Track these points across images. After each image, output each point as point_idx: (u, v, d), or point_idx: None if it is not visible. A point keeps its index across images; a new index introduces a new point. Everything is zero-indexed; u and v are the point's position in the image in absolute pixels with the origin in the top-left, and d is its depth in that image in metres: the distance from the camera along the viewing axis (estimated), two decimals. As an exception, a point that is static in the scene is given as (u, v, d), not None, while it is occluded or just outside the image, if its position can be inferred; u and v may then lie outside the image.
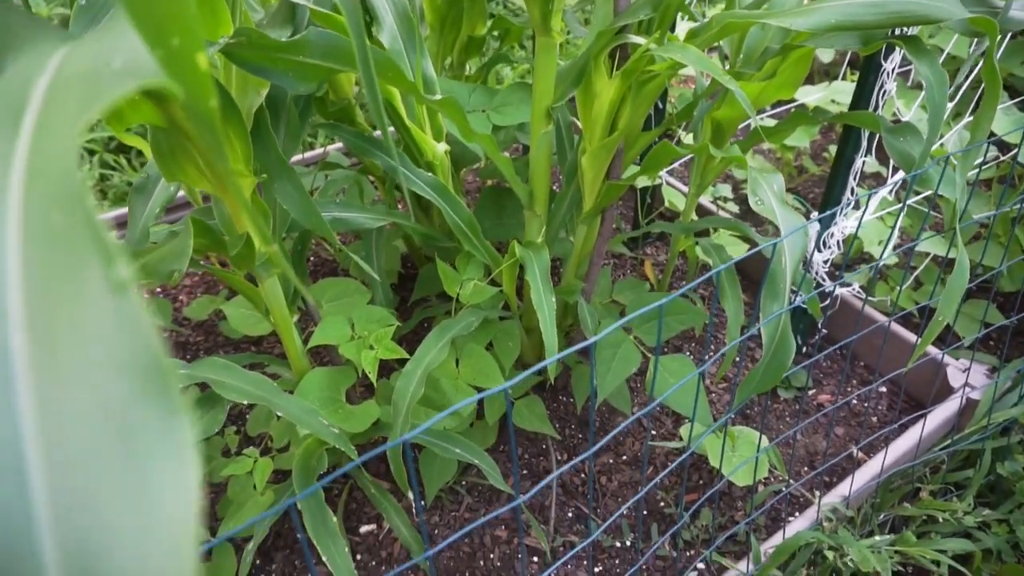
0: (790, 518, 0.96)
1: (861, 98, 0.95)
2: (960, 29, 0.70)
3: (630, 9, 0.79)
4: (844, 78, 1.66)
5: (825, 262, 1.12)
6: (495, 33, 1.26)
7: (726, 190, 1.46)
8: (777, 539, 0.90)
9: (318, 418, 0.72)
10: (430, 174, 0.90)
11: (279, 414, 0.69)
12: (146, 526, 0.14)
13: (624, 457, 1.11)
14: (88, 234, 0.16)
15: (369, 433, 0.93)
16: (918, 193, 1.27)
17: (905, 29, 0.81)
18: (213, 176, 0.64)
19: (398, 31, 0.90)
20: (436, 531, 1.01)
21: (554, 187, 1.11)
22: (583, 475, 1.08)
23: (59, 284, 0.15)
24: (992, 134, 0.99)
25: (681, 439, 1.10)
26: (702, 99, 1.01)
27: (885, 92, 0.95)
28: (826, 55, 1.81)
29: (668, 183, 1.43)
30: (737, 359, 1.15)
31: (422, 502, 1.03)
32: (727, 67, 1.06)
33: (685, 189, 1.42)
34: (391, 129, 1.60)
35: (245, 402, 0.68)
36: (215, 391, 0.66)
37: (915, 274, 1.24)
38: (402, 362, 1.07)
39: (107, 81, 0.22)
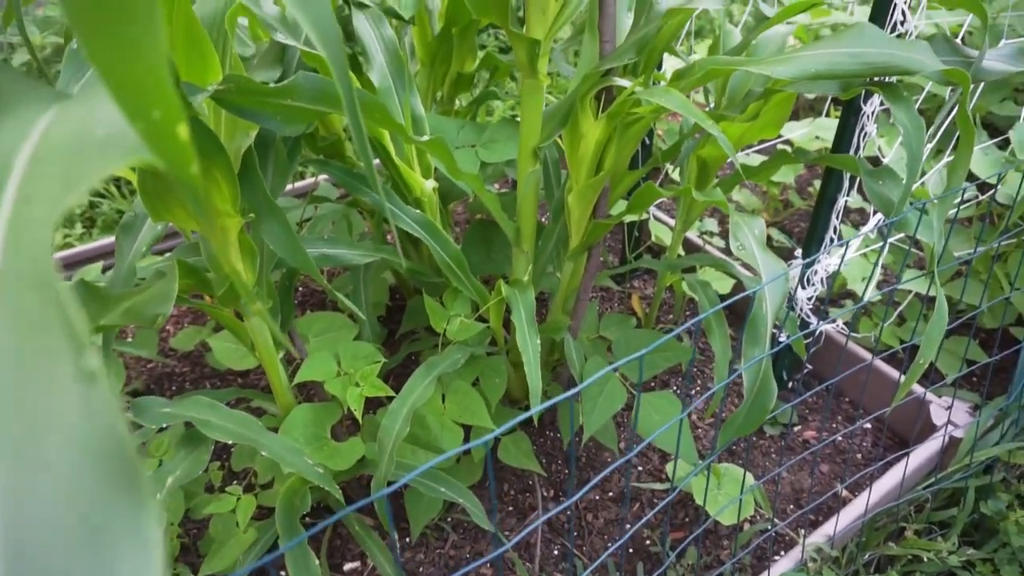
0: (775, 557, 0.96)
1: (842, 139, 0.97)
2: (935, 79, 0.72)
3: (615, 53, 0.80)
4: (828, 114, 1.69)
5: (809, 299, 1.13)
6: (485, 68, 1.28)
7: (712, 225, 1.47)
8: (762, 579, 0.90)
9: (302, 457, 0.72)
10: (418, 211, 0.91)
11: (263, 453, 0.69)
12: None
13: (610, 494, 1.11)
14: (59, 321, 0.16)
15: (355, 470, 0.92)
16: (894, 235, 1.29)
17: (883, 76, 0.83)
18: (200, 217, 0.64)
19: (388, 70, 0.92)
20: (421, 568, 1.00)
21: (542, 219, 1.12)
22: (569, 512, 1.08)
23: (28, 371, 0.16)
24: (972, 175, 1.01)
25: (667, 477, 1.10)
26: (688, 138, 1.02)
27: (866, 134, 0.97)
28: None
29: (655, 217, 1.44)
30: (724, 395, 1.16)
31: (407, 539, 1.02)
32: (712, 106, 1.07)
33: (672, 223, 1.43)
34: (377, 162, 1.61)
35: (230, 441, 0.67)
36: (198, 428, 0.66)
37: (899, 311, 1.26)
38: (389, 397, 1.07)
39: (90, 155, 0.22)
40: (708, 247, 1.40)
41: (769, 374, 0.63)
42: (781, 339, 1.02)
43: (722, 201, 0.71)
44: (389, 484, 0.79)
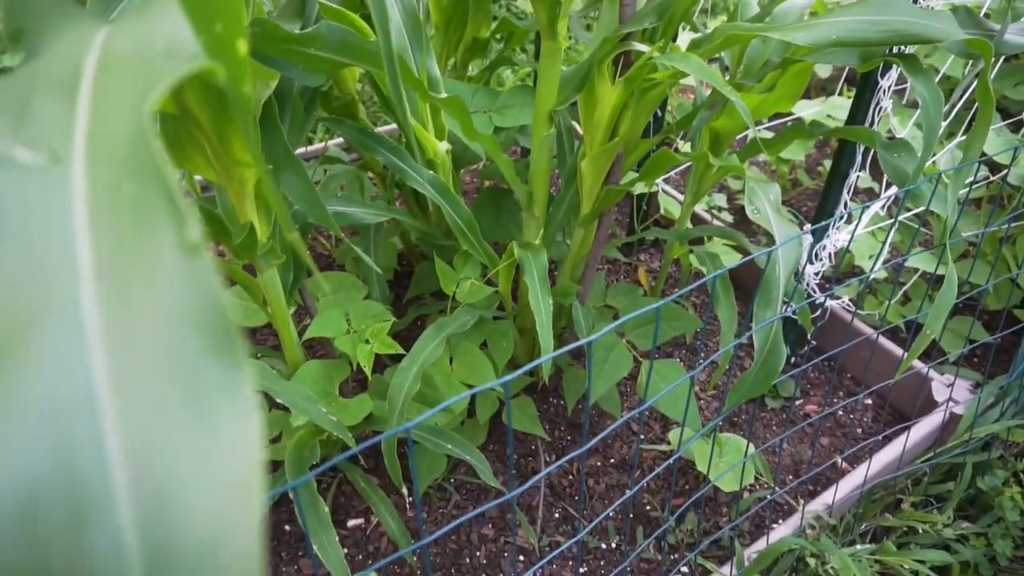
0: (774, 524, 0.98)
1: (857, 114, 0.97)
2: (956, 50, 0.72)
3: (635, 17, 0.80)
4: (840, 94, 1.68)
5: (816, 274, 1.14)
6: (499, 36, 1.27)
7: (721, 200, 1.47)
8: (760, 545, 0.91)
9: (316, 405, 0.73)
10: (431, 172, 0.91)
11: (278, 400, 0.70)
12: (215, 472, 0.14)
13: (612, 460, 1.12)
14: (162, 197, 0.17)
15: (362, 427, 0.93)
16: (909, 210, 1.29)
17: (903, 48, 0.82)
18: (219, 165, 0.64)
19: (404, 29, 0.91)
20: (424, 527, 1.02)
21: (552, 190, 1.12)
22: (571, 477, 1.09)
23: (131, 245, 0.16)
24: (983, 154, 1.01)
25: (669, 443, 1.11)
26: (702, 109, 1.02)
27: (881, 109, 0.97)
28: (823, 71, 1.83)
29: (664, 191, 1.44)
30: (727, 367, 1.17)
31: (411, 498, 1.04)
32: (727, 78, 1.07)
33: (681, 197, 1.43)
34: (390, 127, 1.61)
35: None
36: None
37: (904, 289, 1.26)
38: (395, 358, 1.08)
39: (160, 63, 0.23)
40: (716, 222, 1.40)
41: (779, 337, 0.64)
42: (788, 311, 1.02)
43: (739, 167, 0.71)
44: (402, 443, 0.80)
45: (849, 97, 1.54)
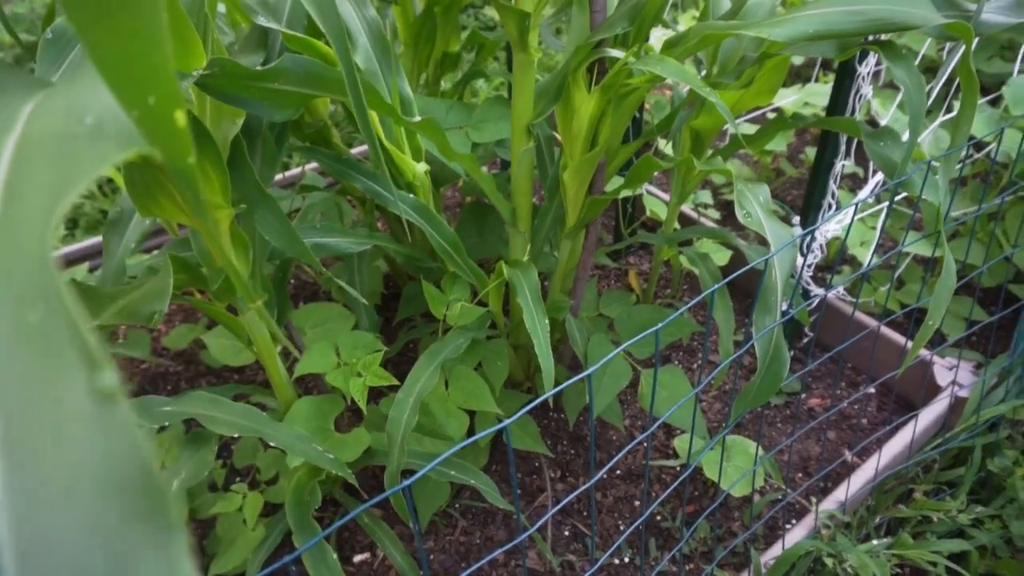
0: (787, 526, 0.96)
1: (838, 102, 0.95)
2: (935, 34, 0.70)
3: (607, 23, 0.78)
4: (817, 80, 1.68)
5: (808, 266, 1.12)
6: (469, 48, 1.25)
7: (706, 196, 1.46)
8: (776, 549, 0.89)
9: (312, 445, 0.70)
10: (412, 196, 0.89)
11: (272, 444, 0.67)
12: None
13: (617, 472, 1.10)
14: (68, 337, 0.15)
15: (361, 461, 0.91)
16: (897, 195, 1.28)
17: (880, 35, 0.81)
18: (190, 209, 0.62)
19: (372, 52, 0.89)
20: (432, 556, 1.00)
21: (535, 200, 1.10)
22: (574, 492, 1.07)
23: (36, 394, 0.14)
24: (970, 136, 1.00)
25: (674, 452, 1.09)
26: (681, 109, 1.01)
27: (861, 96, 0.96)
28: (797, 58, 1.82)
29: (649, 192, 1.43)
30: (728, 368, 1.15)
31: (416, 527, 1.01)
32: (703, 75, 1.06)
33: (666, 197, 1.42)
34: (363, 148, 1.58)
35: (236, 435, 0.66)
36: (204, 427, 0.64)
37: (896, 274, 1.25)
38: (390, 387, 1.06)
39: (83, 147, 0.20)
40: (703, 219, 1.39)
41: (781, 343, 0.62)
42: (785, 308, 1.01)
43: (726, 170, 0.69)
44: (403, 474, 0.78)
45: (826, 82, 1.54)
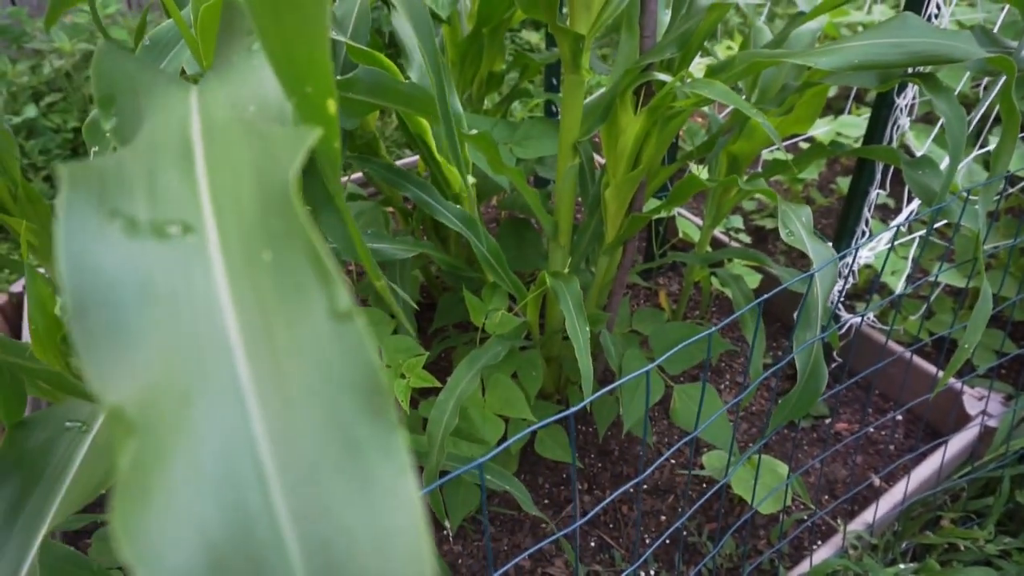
0: (814, 547, 0.97)
1: (875, 133, 0.98)
2: (977, 68, 0.73)
3: (657, 48, 0.82)
4: (849, 112, 1.70)
5: (840, 292, 1.14)
6: (511, 69, 1.30)
7: (737, 222, 1.48)
8: (802, 567, 0.90)
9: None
10: (458, 206, 0.92)
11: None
12: (381, 531, 0.15)
13: (645, 486, 1.12)
14: (308, 265, 0.18)
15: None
16: (925, 224, 1.30)
17: (921, 67, 0.84)
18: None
19: (427, 68, 0.93)
20: (460, 560, 1.01)
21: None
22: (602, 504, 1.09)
23: (276, 313, 0.17)
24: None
25: (703, 467, 1.10)
26: (721, 134, 1.03)
27: (898, 127, 0.98)
28: (831, 90, 1.85)
29: (680, 214, 1.45)
30: (756, 389, 1.17)
31: (444, 532, 1.03)
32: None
33: (695, 220, 1.44)
34: (410, 160, 1.62)
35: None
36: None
37: (928, 303, 1.26)
38: (425, 391, 1.08)
39: (263, 128, 0.23)
40: (734, 243, 1.41)
41: (820, 358, 0.64)
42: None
43: (768, 191, 0.72)
44: (441, 474, 0.80)
45: (858, 115, 1.56)
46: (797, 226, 0.66)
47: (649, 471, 0.64)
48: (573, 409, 0.52)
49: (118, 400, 0.16)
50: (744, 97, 1.07)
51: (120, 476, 0.15)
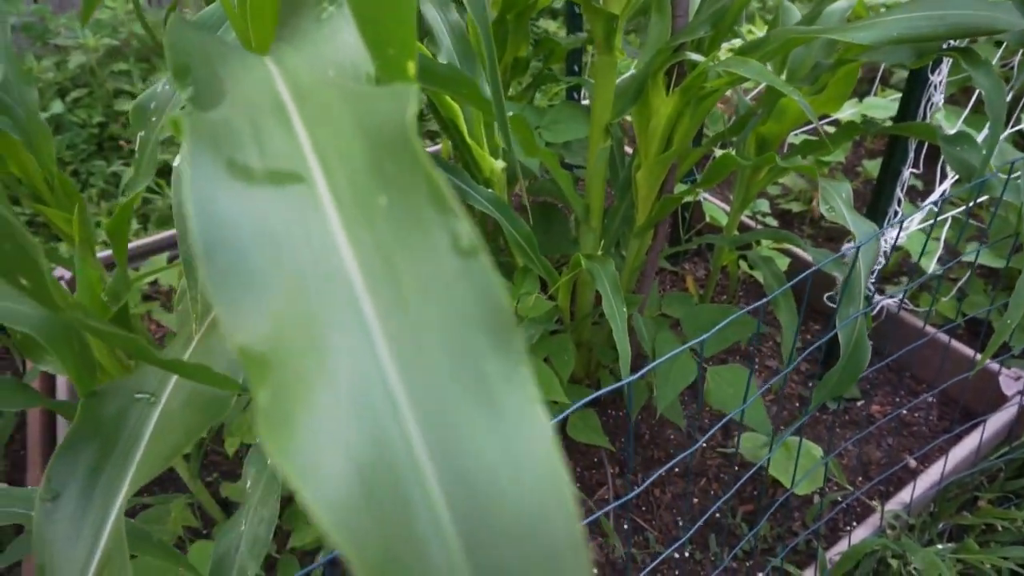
0: (847, 527, 0.97)
1: (907, 111, 0.97)
2: (1018, 40, 0.72)
3: (689, 27, 0.81)
4: (875, 94, 1.68)
5: (871, 273, 1.13)
6: (537, 56, 1.29)
7: (764, 206, 1.48)
8: (841, 547, 0.90)
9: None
10: (490, 190, 0.93)
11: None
12: (517, 459, 0.15)
13: (676, 469, 1.12)
14: (430, 206, 0.18)
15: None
16: (955, 204, 1.29)
17: (958, 42, 0.83)
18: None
19: (455, 53, 0.94)
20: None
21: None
22: (635, 487, 1.09)
23: (396, 253, 0.17)
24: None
25: (736, 451, 1.10)
26: (750, 116, 1.03)
27: (932, 104, 0.97)
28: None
29: (707, 199, 1.45)
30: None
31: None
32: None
33: (721, 205, 1.43)
34: (434, 148, 1.63)
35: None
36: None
37: (959, 284, 1.25)
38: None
39: (351, 88, 0.24)
40: (759, 227, 1.41)
41: (864, 333, 0.64)
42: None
43: (810, 167, 0.71)
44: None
45: (883, 97, 1.55)
46: (838, 202, 0.66)
47: (687, 453, 0.64)
48: (612, 387, 0.52)
49: (250, 338, 0.16)
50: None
51: (261, 407, 0.15)
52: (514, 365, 0.16)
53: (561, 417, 0.53)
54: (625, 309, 0.79)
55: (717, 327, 0.57)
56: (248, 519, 0.61)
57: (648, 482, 0.65)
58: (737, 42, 1.46)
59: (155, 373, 0.41)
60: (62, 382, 1.14)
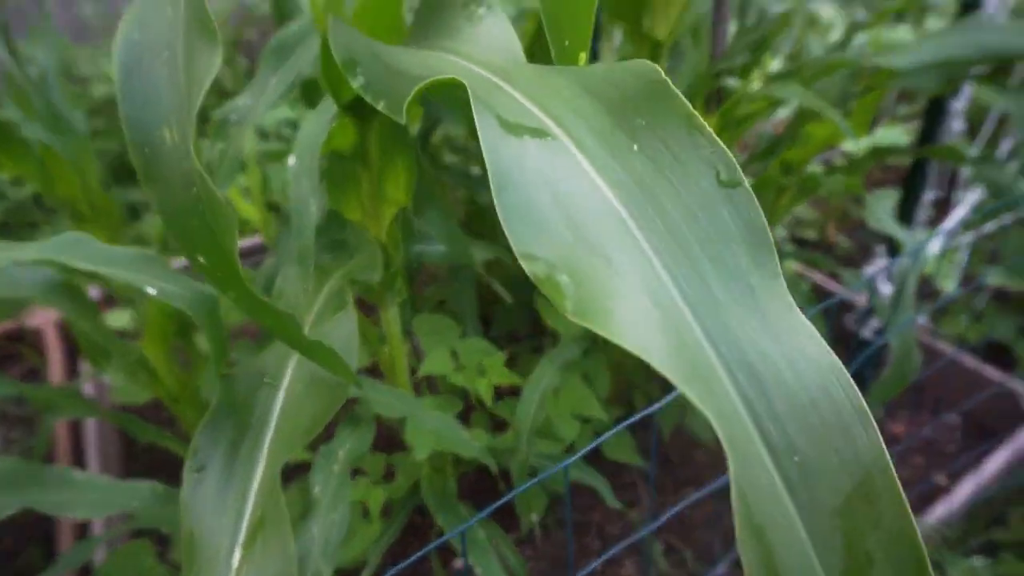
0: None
1: (930, 134, 1.01)
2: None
3: (728, 53, 0.86)
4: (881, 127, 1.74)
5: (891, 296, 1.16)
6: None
7: (781, 233, 1.51)
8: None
9: (459, 431, 0.75)
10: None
11: (428, 426, 0.72)
12: (789, 352, 0.18)
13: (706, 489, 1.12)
14: (689, 142, 0.20)
15: (470, 464, 0.95)
16: (967, 228, 1.33)
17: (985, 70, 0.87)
18: (370, 203, 0.68)
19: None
20: (530, 563, 1.02)
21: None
22: (666, 509, 1.10)
23: (660, 188, 0.20)
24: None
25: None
26: (778, 143, 1.07)
27: (951, 132, 1.01)
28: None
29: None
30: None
31: (515, 535, 1.04)
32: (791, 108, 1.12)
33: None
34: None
35: (393, 415, 0.71)
36: (362, 406, 0.70)
37: (975, 306, 1.29)
38: (498, 395, 1.10)
39: (566, 67, 0.26)
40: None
41: (913, 342, 0.66)
42: (879, 339, 1.04)
43: (852, 182, 0.75)
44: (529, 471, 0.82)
45: (891, 128, 1.60)
46: (884, 213, 0.69)
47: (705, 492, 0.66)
48: (648, 411, 0.54)
49: (541, 256, 0.18)
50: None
51: (570, 310, 0.17)
52: (774, 278, 0.19)
53: (602, 439, 0.56)
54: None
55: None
56: (319, 523, 0.61)
57: (684, 504, 0.66)
58: (769, 68, 1.51)
59: (274, 359, 0.43)
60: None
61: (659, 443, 1.17)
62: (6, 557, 1.04)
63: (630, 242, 0.19)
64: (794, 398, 0.18)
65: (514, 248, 0.19)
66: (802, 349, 0.18)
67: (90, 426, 1.10)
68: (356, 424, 0.74)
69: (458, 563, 1.03)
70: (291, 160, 0.44)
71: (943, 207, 1.28)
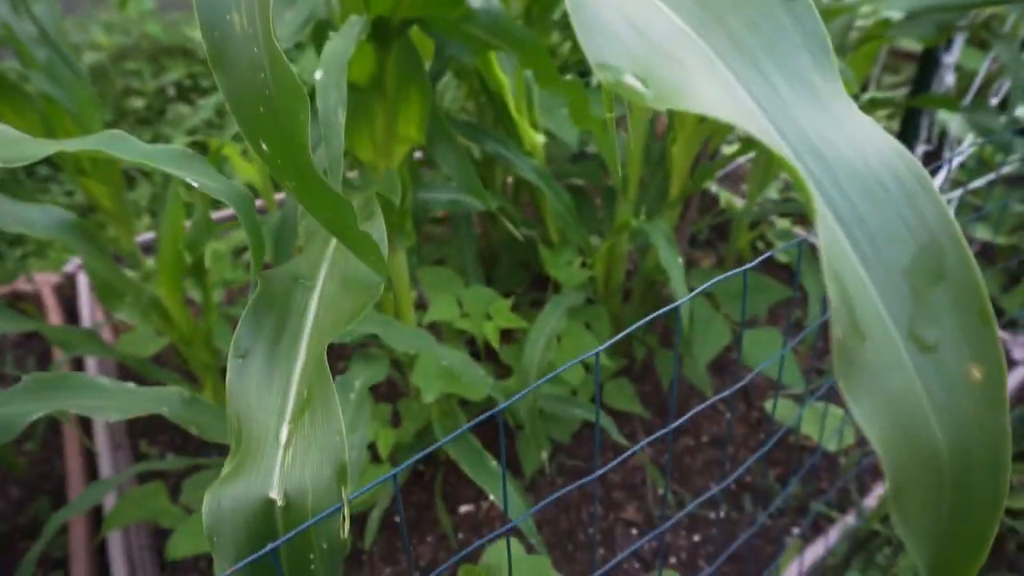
0: (876, 484, 1.01)
1: (923, 85, 1.04)
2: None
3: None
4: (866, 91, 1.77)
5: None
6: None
7: (774, 193, 1.54)
8: (868, 501, 0.94)
9: (475, 368, 0.77)
10: (534, 161, 0.97)
11: (444, 362, 0.74)
12: (853, 138, 0.20)
13: (704, 439, 1.16)
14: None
15: (479, 406, 0.97)
16: (960, 184, 1.36)
17: (976, 18, 0.89)
18: (383, 141, 0.69)
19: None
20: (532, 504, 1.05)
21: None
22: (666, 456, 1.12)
23: (725, 5, 0.21)
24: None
25: (758, 421, 1.15)
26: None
27: (944, 84, 1.04)
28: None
29: (721, 188, 1.51)
30: (816, 332, 1.21)
31: (519, 482, 1.06)
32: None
33: (732, 198, 1.49)
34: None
35: (411, 351, 0.72)
36: (380, 345, 0.71)
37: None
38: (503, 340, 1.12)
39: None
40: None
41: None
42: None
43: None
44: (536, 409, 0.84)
45: (881, 93, 1.62)
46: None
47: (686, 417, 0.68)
48: (663, 310, 0.56)
49: (614, 68, 0.20)
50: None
51: (648, 100, 0.19)
52: (834, 78, 0.21)
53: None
54: (680, 260, 0.83)
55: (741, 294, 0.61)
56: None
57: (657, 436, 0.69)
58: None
59: (306, 265, 0.44)
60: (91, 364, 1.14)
61: (655, 395, 1.19)
62: (16, 507, 1.06)
63: (697, 49, 0.21)
64: (861, 178, 0.20)
65: (590, 60, 0.20)
66: (867, 136, 0.21)
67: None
68: (369, 359, 0.76)
69: (463, 509, 1.05)
70: (318, 74, 0.45)
71: (934, 159, 1.31)
